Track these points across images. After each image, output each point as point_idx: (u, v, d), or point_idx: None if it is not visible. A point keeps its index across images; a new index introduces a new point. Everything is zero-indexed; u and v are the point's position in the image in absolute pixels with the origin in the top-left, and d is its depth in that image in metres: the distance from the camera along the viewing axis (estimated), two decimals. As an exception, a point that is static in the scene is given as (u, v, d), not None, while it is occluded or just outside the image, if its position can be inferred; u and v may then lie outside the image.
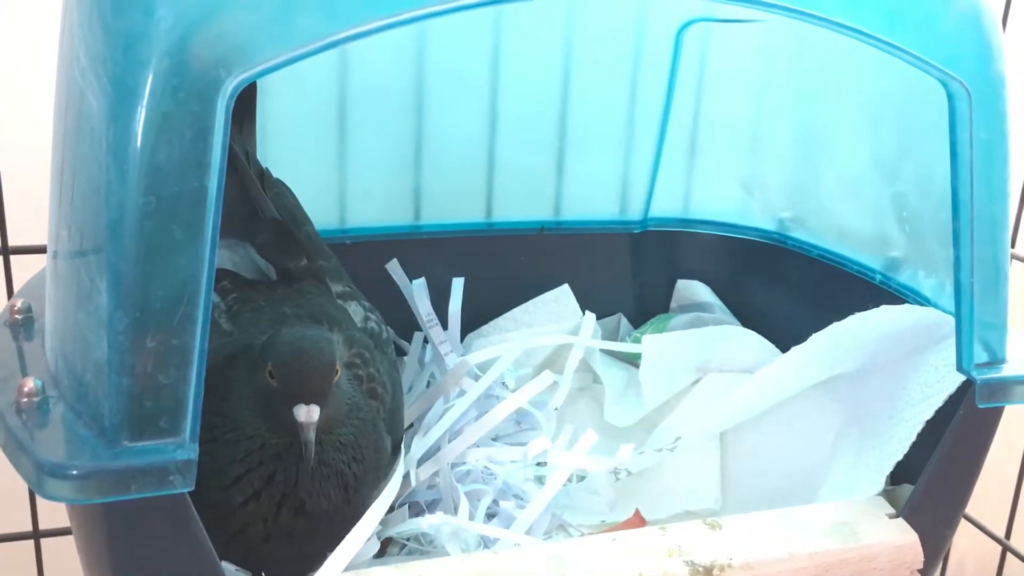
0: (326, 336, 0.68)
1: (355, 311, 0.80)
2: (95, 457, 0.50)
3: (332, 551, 0.63)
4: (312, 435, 0.62)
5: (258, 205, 0.80)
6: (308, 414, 0.62)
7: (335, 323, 0.75)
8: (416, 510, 0.80)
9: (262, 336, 0.69)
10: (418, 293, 0.96)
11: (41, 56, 0.72)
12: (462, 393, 0.88)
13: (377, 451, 0.71)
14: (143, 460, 0.50)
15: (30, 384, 0.55)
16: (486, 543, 0.75)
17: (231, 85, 0.49)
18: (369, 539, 0.73)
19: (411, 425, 0.89)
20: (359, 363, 0.73)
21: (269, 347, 0.64)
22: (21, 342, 0.65)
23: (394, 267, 0.96)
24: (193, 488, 0.51)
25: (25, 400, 0.55)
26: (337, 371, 0.65)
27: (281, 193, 0.83)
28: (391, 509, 0.77)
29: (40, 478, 0.50)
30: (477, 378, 0.88)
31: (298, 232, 0.81)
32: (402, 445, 0.78)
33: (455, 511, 0.78)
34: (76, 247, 0.54)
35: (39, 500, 0.93)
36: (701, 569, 0.61)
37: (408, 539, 0.75)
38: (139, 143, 0.49)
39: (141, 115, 0.49)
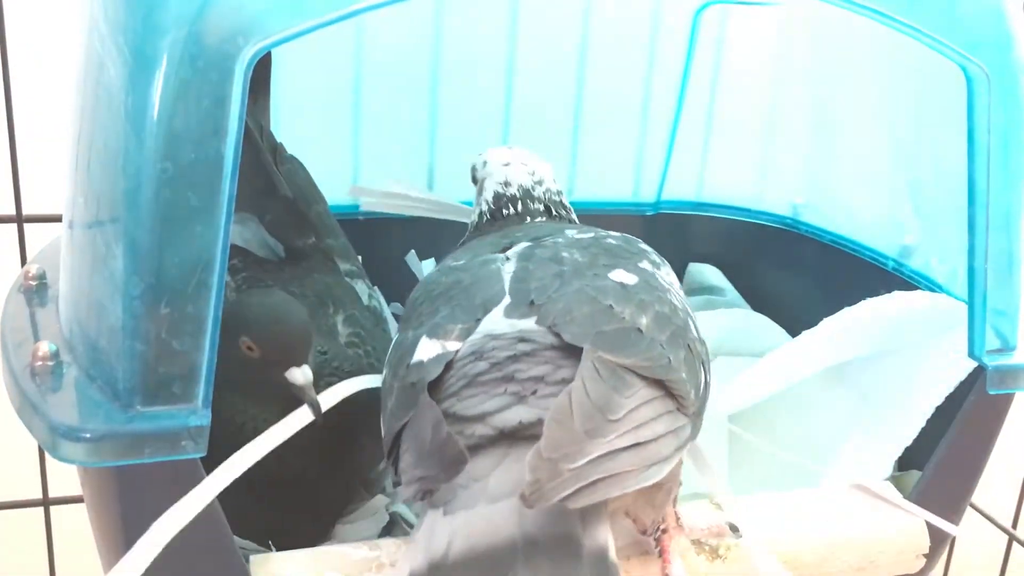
0: (288, 298, 0.68)
1: (361, 290, 0.81)
2: (109, 421, 0.51)
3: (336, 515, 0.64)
4: (315, 394, 0.61)
5: (272, 180, 0.80)
6: (304, 374, 0.62)
7: (339, 303, 0.76)
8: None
9: None
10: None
11: (58, 25, 0.72)
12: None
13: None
14: (156, 425, 0.50)
15: (44, 348, 0.55)
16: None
17: (249, 54, 0.49)
18: (376, 513, 0.74)
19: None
20: (356, 341, 0.74)
21: (240, 319, 0.62)
22: (35, 308, 0.65)
23: (411, 259, 0.97)
24: (205, 454, 0.51)
25: (39, 364, 0.55)
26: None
27: (293, 169, 0.84)
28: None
29: (54, 440, 0.50)
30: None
31: (308, 210, 0.81)
32: None
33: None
34: (93, 213, 0.55)
35: (49, 468, 0.94)
36: (707, 548, 0.62)
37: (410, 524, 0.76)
38: (157, 111, 0.49)
39: (159, 83, 0.49)
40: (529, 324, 0.57)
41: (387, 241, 0.95)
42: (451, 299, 0.60)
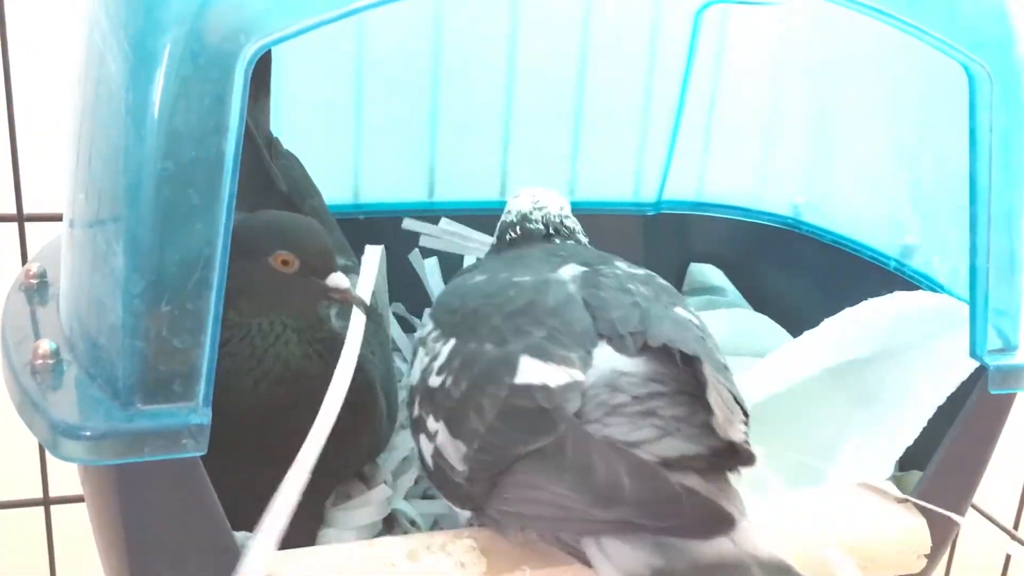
0: (299, 215, 0.69)
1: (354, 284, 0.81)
2: (109, 419, 0.50)
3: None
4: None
5: (268, 175, 0.80)
6: (344, 279, 0.63)
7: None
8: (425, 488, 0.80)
9: None
10: (432, 274, 0.96)
11: (59, 22, 0.72)
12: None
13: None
14: (156, 423, 0.50)
15: (44, 346, 0.55)
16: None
17: (250, 51, 0.49)
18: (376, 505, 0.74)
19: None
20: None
21: (270, 236, 0.62)
22: (35, 306, 0.65)
23: (415, 257, 0.97)
24: (205, 452, 0.51)
25: (40, 362, 0.55)
26: None
27: (289, 164, 0.84)
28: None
29: (54, 438, 0.50)
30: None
31: (302, 205, 0.81)
32: (397, 415, 0.79)
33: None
34: (93, 211, 0.55)
35: (49, 467, 0.94)
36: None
37: (412, 521, 0.76)
38: (158, 108, 0.49)
39: (160, 80, 0.49)
40: (642, 363, 0.58)
41: (389, 241, 0.95)
42: (538, 320, 0.60)
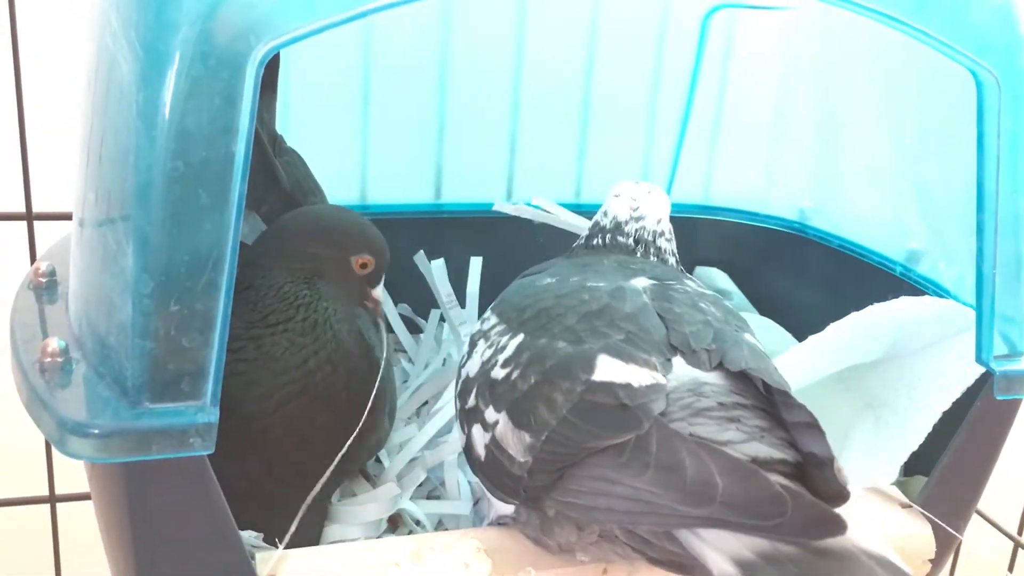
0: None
1: None
2: (117, 417, 0.51)
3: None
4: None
5: (272, 172, 0.80)
6: (382, 293, 0.70)
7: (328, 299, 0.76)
8: (430, 490, 0.81)
9: None
10: (438, 275, 0.97)
11: (69, 22, 0.72)
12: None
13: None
14: (164, 422, 0.50)
15: (53, 344, 0.56)
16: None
17: (261, 52, 0.50)
18: (381, 502, 0.74)
19: (426, 403, 0.89)
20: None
21: (362, 239, 0.70)
22: (44, 304, 0.65)
23: (420, 259, 0.97)
24: (213, 451, 0.51)
25: (48, 360, 0.55)
26: None
27: (292, 161, 0.84)
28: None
29: (62, 436, 0.51)
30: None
31: (305, 202, 0.82)
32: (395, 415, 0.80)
33: (459, 494, 0.79)
34: (103, 210, 0.55)
35: (55, 465, 0.94)
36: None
37: (418, 522, 0.76)
38: (168, 108, 0.49)
39: (171, 80, 0.49)
40: (719, 377, 0.59)
41: (395, 242, 0.95)
42: (615, 324, 0.61)
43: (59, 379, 0.55)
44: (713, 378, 0.59)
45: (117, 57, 0.52)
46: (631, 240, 0.75)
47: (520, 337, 0.63)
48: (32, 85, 0.87)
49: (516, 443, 0.59)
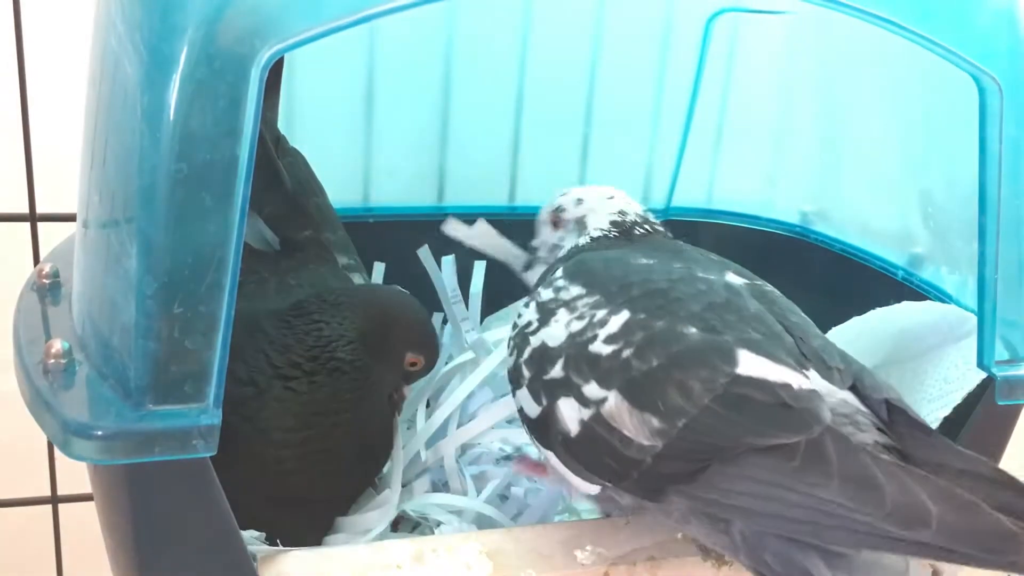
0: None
1: (358, 283, 0.82)
2: (120, 419, 0.51)
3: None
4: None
5: (274, 173, 0.80)
6: (409, 391, 0.73)
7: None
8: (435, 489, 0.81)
9: (274, 304, 0.72)
10: (446, 270, 0.96)
11: (74, 24, 0.72)
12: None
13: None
14: (167, 423, 0.51)
15: (57, 345, 0.56)
16: (486, 524, 0.75)
17: (265, 55, 0.50)
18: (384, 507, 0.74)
19: (427, 403, 0.89)
20: None
21: (417, 337, 0.71)
22: (48, 306, 0.65)
23: (424, 254, 0.97)
24: (215, 452, 0.51)
25: (52, 361, 0.56)
26: None
27: (295, 162, 0.84)
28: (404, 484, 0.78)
29: (66, 438, 0.51)
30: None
31: (307, 203, 0.82)
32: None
33: (464, 492, 0.79)
34: (107, 212, 0.55)
35: (58, 466, 0.94)
36: (714, 554, 0.62)
37: (424, 518, 0.76)
38: (173, 110, 0.49)
39: (176, 82, 0.49)
40: (855, 400, 0.59)
41: (398, 243, 0.95)
42: (745, 320, 0.60)
43: (62, 380, 0.55)
44: (855, 402, 0.59)
45: (122, 59, 0.53)
46: (657, 227, 0.77)
47: (625, 314, 0.61)
48: (36, 87, 0.88)
49: (637, 425, 0.57)
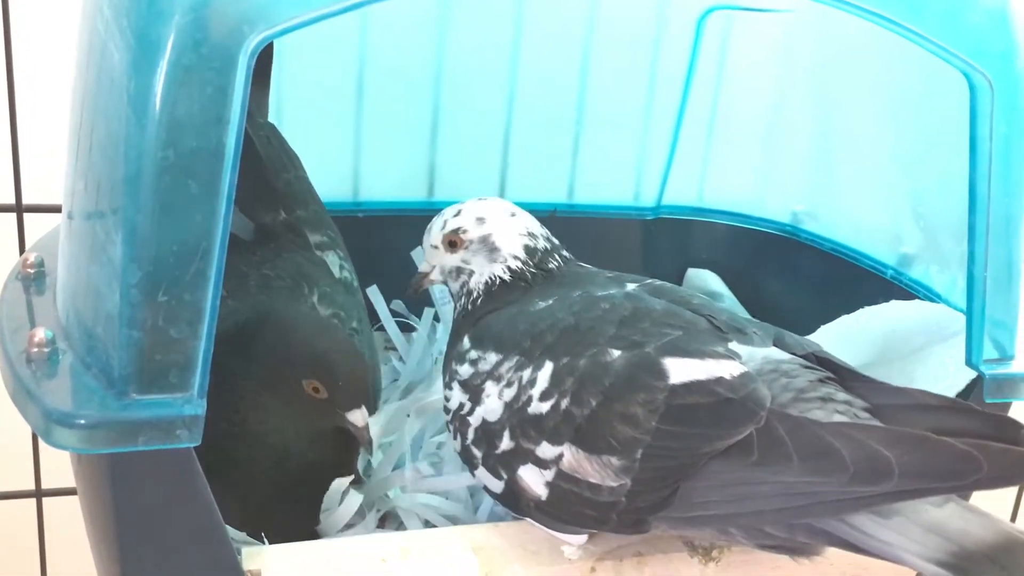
0: (351, 342, 0.71)
1: (332, 261, 0.81)
2: (103, 408, 0.50)
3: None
4: (370, 435, 0.66)
5: (252, 152, 0.79)
6: (364, 417, 0.65)
7: (313, 282, 0.77)
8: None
9: (253, 310, 0.70)
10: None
11: (62, 11, 0.72)
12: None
13: None
14: (151, 413, 0.50)
15: (40, 335, 0.55)
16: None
17: (253, 42, 0.49)
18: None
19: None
20: (336, 322, 0.76)
21: (310, 361, 0.65)
22: (32, 295, 0.65)
23: (418, 254, 0.97)
24: (199, 443, 0.51)
25: (35, 350, 0.55)
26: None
27: (267, 136, 0.83)
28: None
29: (48, 426, 0.50)
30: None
31: (276, 180, 0.81)
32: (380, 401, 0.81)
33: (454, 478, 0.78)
34: (92, 200, 0.54)
35: (42, 459, 0.93)
36: (700, 550, 0.62)
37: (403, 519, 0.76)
38: (159, 97, 0.49)
39: (163, 69, 0.49)
40: (779, 353, 0.61)
41: (388, 239, 0.95)
42: (659, 323, 0.60)
43: (45, 369, 0.54)
44: (777, 354, 0.60)
45: (108, 45, 0.52)
46: (563, 251, 0.72)
47: (548, 365, 0.60)
48: (23, 76, 0.87)
49: (600, 468, 0.57)
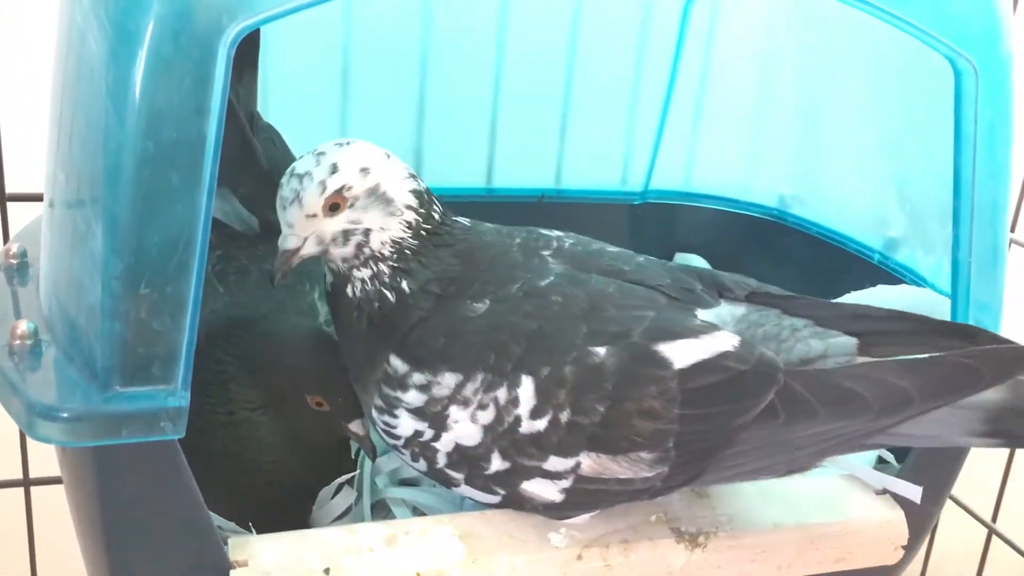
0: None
1: None
2: (86, 400, 0.50)
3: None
4: (371, 440, 0.69)
5: (249, 150, 0.79)
6: (364, 426, 0.67)
7: (313, 279, 0.77)
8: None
9: (254, 310, 0.71)
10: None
11: (39, 1, 0.71)
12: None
13: None
14: (134, 405, 0.50)
15: (23, 327, 0.55)
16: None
17: (233, 32, 0.49)
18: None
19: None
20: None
21: (314, 379, 0.67)
22: (15, 286, 0.65)
23: None
24: (183, 435, 0.51)
25: (18, 343, 0.55)
26: None
27: (270, 139, 0.83)
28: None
29: (31, 420, 0.50)
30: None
31: (280, 180, 0.81)
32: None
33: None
34: (73, 191, 0.54)
35: (30, 448, 0.93)
36: (687, 537, 0.62)
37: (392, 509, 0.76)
38: (139, 88, 0.49)
39: (141, 59, 0.48)
40: (737, 305, 0.64)
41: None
42: (627, 308, 0.60)
43: (28, 362, 0.54)
44: (735, 308, 0.63)
45: (87, 34, 0.52)
46: (444, 215, 0.63)
47: (527, 380, 0.57)
48: (4, 65, 0.86)
49: (630, 465, 0.57)
